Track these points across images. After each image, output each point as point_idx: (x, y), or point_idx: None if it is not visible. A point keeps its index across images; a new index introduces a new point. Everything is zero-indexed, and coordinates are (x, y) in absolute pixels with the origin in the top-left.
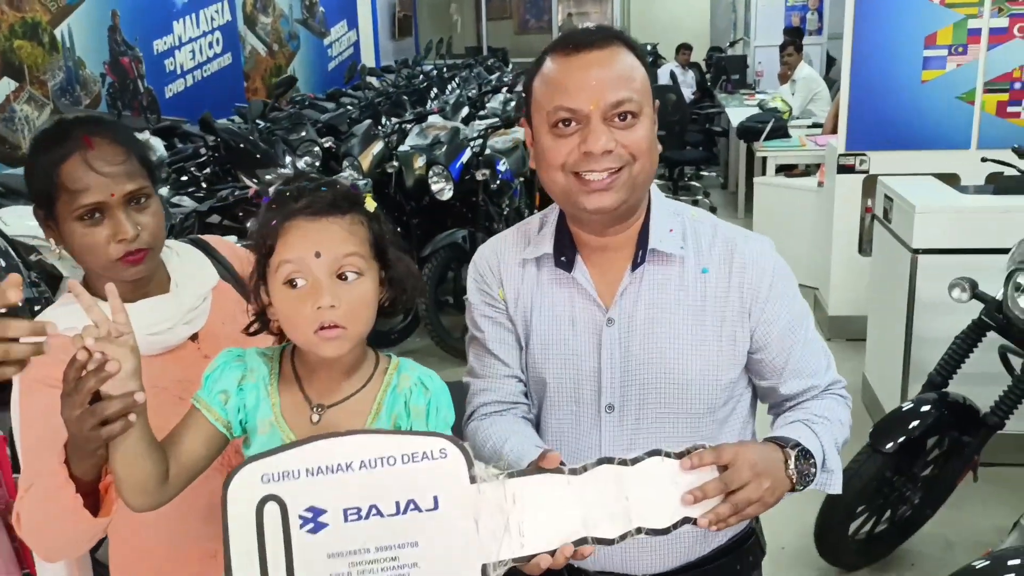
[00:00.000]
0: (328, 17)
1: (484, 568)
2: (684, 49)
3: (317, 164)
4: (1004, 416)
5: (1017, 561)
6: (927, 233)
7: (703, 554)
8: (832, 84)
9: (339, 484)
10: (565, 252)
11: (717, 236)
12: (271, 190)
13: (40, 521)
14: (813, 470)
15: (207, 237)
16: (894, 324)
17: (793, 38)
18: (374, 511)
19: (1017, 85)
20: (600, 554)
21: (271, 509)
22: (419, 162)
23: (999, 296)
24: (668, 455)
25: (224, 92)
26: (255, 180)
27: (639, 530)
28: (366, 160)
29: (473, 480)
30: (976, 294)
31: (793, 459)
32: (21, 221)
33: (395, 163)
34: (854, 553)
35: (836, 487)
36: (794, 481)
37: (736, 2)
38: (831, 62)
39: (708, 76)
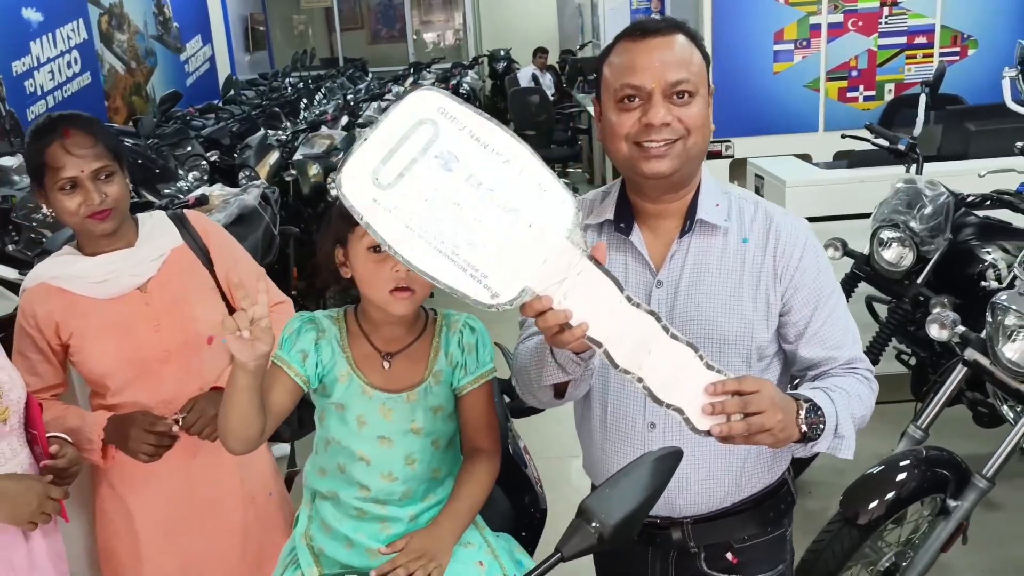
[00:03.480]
0: (183, 32)
1: (524, 289)
2: (541, 53)
3: (206, 178)
4: (876, 355)
5: (907, 461)
6: (797, 204)
7: (739, 499)
8: None
9: (483, 157)
10: (624, 219)
11: (758, 211)
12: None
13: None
14: (822, 426)
15: (188, 212)
16: None
17: None
18: (488, 192)
19: (854, 73)
20: None
21: (426, 130)
22: (314, 170)
23: (866, 251)
24: (701, 358)
25: (85, 112)
26: (156, 195)
27: (640, 380)
28: (263, 170)
29: (566, 236)
30: (847, 251)
31: (804, 411)
32: None
33: (292, 172)
34: None
35: (847, 453)
36: (802, 431)
37: (583, 6)
38: None
39: (564, 77)
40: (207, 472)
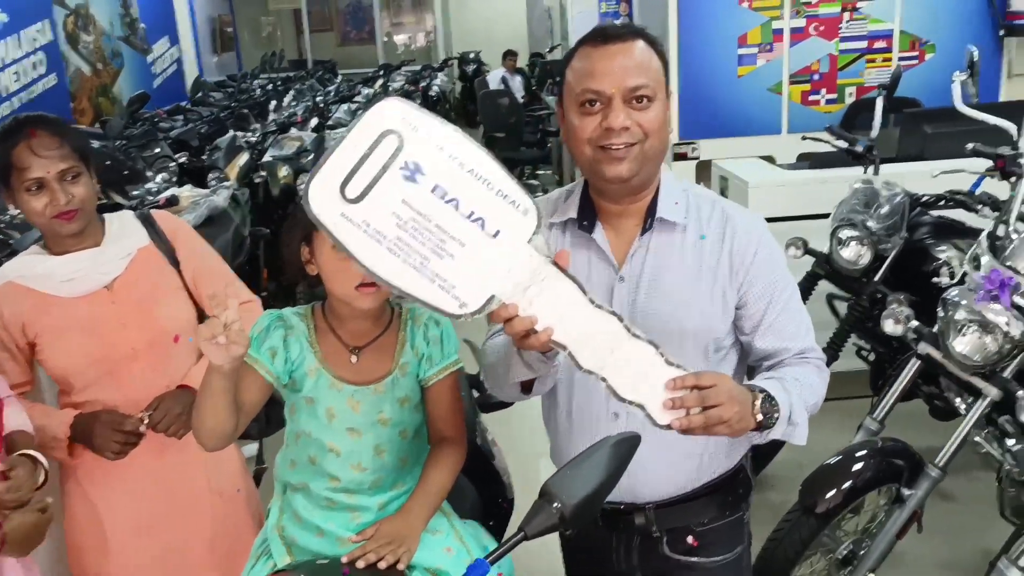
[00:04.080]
0: (149, 33)
1: (491, 298)
2: (510, 56)
3: (174, 180)
4: (836, 351)
5: (863, 452)
6: (760, 204)
7: (698, 486)
8: None
9: (448, 167)
10: (587, 217)
11: (715, 208)
12: None
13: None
14: (776, 415)
15: (155, 212)
16: None
17: None
18: (454, 202)
19: (816, 77)
20: None
21: (390, 141)
22: (283, 171)
23: (826, 250)
24: (661, 355)
25: (51, 113)
26: (125, 196)
27: (604, 380)
28: (232, 171)
29: (530, 243)
30: (808, 250)
31: (760, 401)
32: None
33: (262, 173)
34: None
35: (800, 439)
36: (758, 420)
37: (552, 10)
38: None
39: (533, 80)
40: (175, 469)
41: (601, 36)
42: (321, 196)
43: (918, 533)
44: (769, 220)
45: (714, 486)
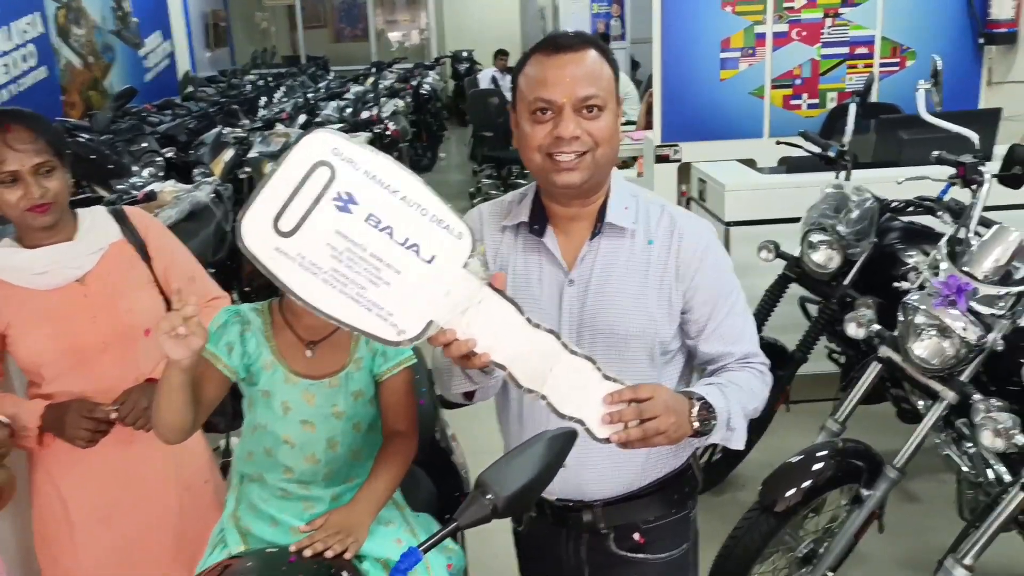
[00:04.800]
0: (142, 27)
1: (429, 323)
2: (501, 55)
3: (161, 174)
4: (805, 353)
5: (823, 452)
6: (736, 208)
7: (645, 484)
8: (639, 85)
9: (380, 196)
10: (538, 221)
11: (664, 214)
12: None
13: None
14: (713, 421)
15: (127, 208)
16: None
17: None
18: (388, 230)
19: (798, 81)
20: (559, 483)
21: (322, 173)
22: (268, 168)
23: (797, 254)
24: (599, 370)
25: (41, 106)
26: (109, 190)
27: (544, 398)
28: (218, 167)
29: (465, 267)
30: (779, 253)
31: (696, 409)
32: None
33: (247, 169)
34: None
35: (738, 444)
36: (695, 427)
37: (544, 10)
38: (635, 65)
39: None
40: (143, 460)
41: (553, 45)
42: (255, 231)
43: (879, 533)
44: (745, 223)
45: (660, 484)
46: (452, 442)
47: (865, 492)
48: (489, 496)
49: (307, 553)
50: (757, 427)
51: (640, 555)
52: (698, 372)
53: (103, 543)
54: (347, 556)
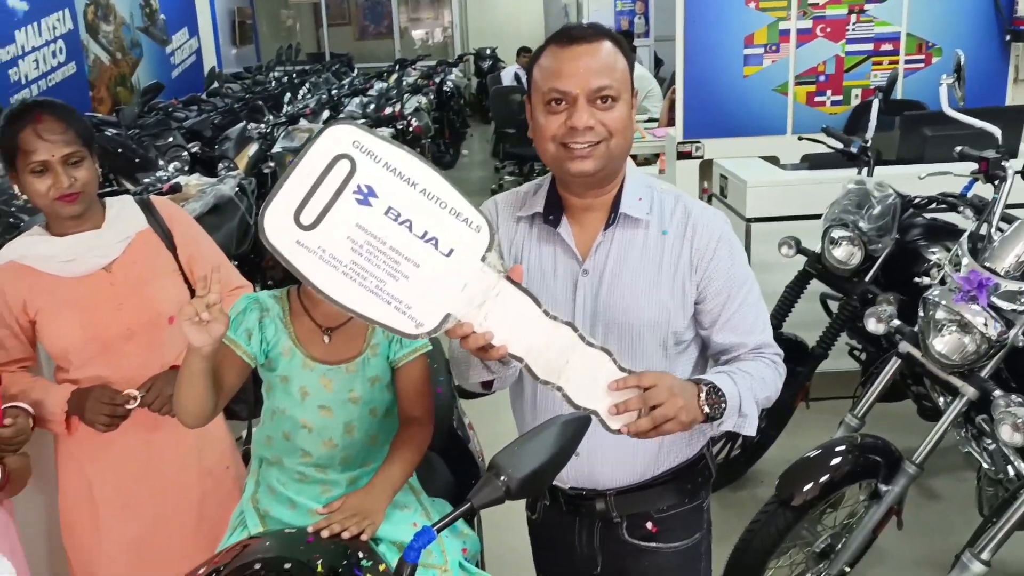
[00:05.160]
0: (169, 24)
1: (447, 316)
2: (524, 52)
3: (186, 168)
4: (825, 349)
5: (842, 447)
6: (757, 204)
7: (658, 473)
8: (662, 82)
9: (400, 189)
10: (553, 212)
11: (678, 205)
12: None
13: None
14: (723, 405)
15: (153, 198)
16: None
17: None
18: (407, 223)
19: (822, 78)
20: (572, 472)
21: (343, 166)
22: (290, 161)
23: (818, 250)
24: (614, 361)
25: (70, 102)
26: (135, 183)
27: (560, 389)
28: (242, 161)
29: (483, 260)
30: (800, 249)
31: (704, 393)
32: None
33: (271, 164)
34: None
35: (749, 430)
36: (705, 412)
37: (568, 7)
38: (659, 63)
39: None
40: (166, 446)
41: (567, 37)
42: (276, 224)
43: (898, 530)
44: (766, 219)
45: (674, 473)
46: (469, 431)
47: (883, 488)
48: (502, 478)
49: (324, 534)
50: (776, 424)
51: (653, 544)
52: (712, 363)
53: (126, 527)
54: (363, 538)
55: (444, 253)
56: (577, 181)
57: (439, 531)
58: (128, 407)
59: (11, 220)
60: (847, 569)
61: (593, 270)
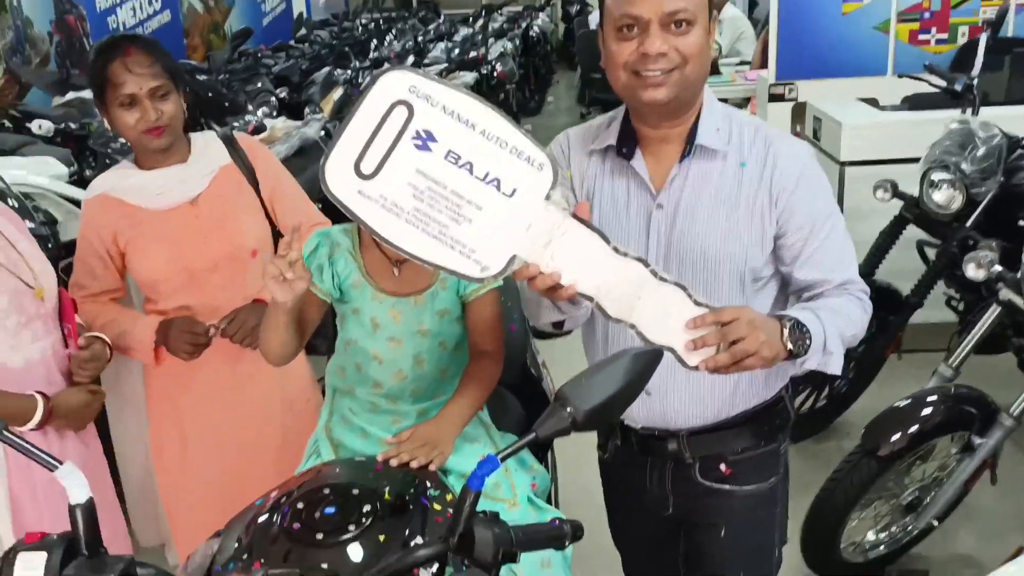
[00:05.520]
0: None
1: (512, 257)
2: None
3: (274, 113)
4: (920, 298)
5: (933, 397)
6: (852, 147)
7: (733, 414)
8: (756, 24)
9: (458, 131)
10: (627, 144)
11: (758, 135)
12: None
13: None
14: (808, 342)
15: (237, 134)
16: None
17: None
18: (467, 166)
19: (927, 15)
20: (644, 412)
21: (400, 112)
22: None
23: (916, 194)
24: (689, 296)
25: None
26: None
27: (633, 326)
28: (327, 106)
29: (548, 198)
30: (897, 193)
31: (788, 329)
32: (7, 171)
33: None
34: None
35: (835, 368)
36: (788, 348)
37: None
38: (753, 4)
39: None
40: (250, 377)
41: None
42: (337, 175)
43: (992, 485)
44: (862, 163)
45: (749, 415)
46: (542, 369)
47: (977, 440)
48: (569, 409)
49: (393, 463)
50: (865, 375)
51: (726, 486)
52: (794, 300)
53: (213, 455)
54: (432, 468)
55: (507, 194)
56: (650, 111)
57: (503, 460)
58: (209, 335)
59: (108, 161)
60: (935, 523)
61: (668, 204)
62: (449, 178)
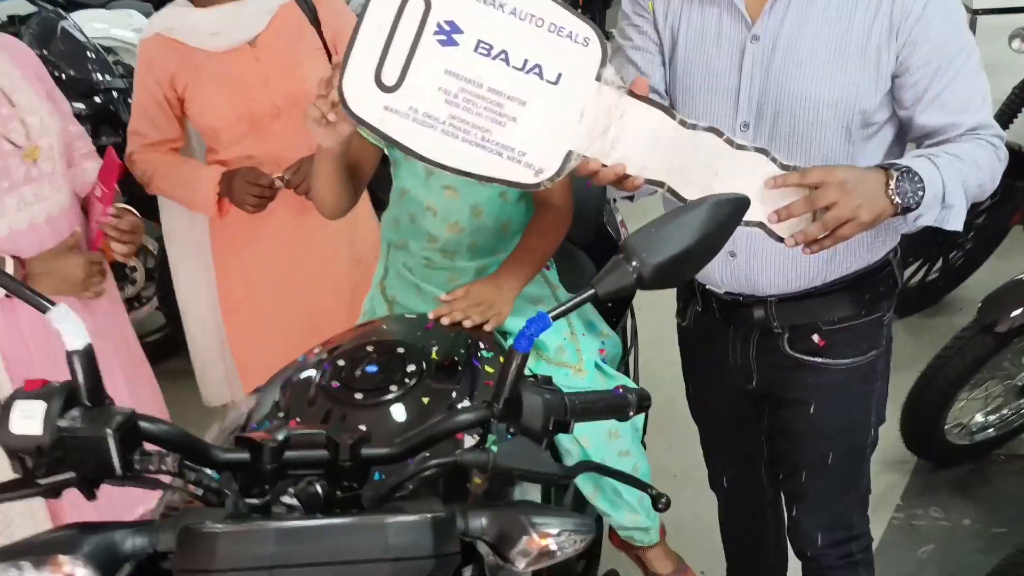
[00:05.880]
0: None
1: (568, 154)
2: None
3: None
4: None
5: None
6: None
7: (830, 280)
8: None
9: (485, 16)
10: None
11: None
12: None
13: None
14: (920, 193)
15: None
16: None
17: None
18: (502, 56)
19: None
20: (727, 275)
21: (415, 5)
22: None
23: None
24: (774, 160)
25: None
26: None
27: None
28: None
29: (599, 79)
30: None
31: (895, 180)
32: (90, 24)
33: None
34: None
35: (955, 224)
36: (895, 202)
37: None
38: None
39: None
40: (316, 228)
41: None
42: (357, 92)
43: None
44: (996, 11)
45: (849, 281)
46: (621, 228)
47: None
48: (634, 263)
49: (445, 321)
50: (984, 245)
51: (819, 359)
52: (912, 148)
53: (281, 308)
54: (487, 328)
55: (551, 81)
56: None
57: (555, 318)
58: (275, 186)
59: None
60: None
61: (765, 36)
62: (484, 74)
